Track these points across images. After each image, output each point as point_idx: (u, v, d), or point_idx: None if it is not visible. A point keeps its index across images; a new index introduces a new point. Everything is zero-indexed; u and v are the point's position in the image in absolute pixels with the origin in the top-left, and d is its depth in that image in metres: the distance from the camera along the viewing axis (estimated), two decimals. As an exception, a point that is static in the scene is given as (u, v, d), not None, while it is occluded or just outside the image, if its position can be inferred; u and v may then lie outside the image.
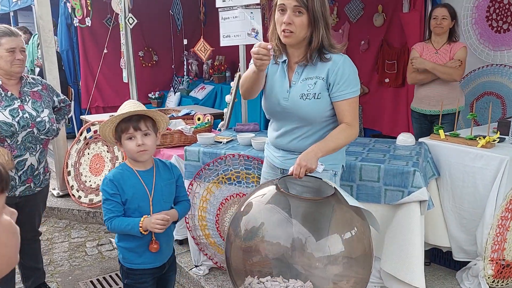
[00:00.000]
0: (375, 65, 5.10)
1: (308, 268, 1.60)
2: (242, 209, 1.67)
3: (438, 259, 2.97)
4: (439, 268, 2.96)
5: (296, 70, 1.96)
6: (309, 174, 1.78)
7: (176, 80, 6.03)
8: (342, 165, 2.11)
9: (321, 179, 1.78)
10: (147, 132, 1.91)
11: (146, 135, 1.91)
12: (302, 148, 1.91)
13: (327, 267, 1.59)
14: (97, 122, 4.43)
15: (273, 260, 1.62)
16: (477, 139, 2.65)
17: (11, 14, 8.44)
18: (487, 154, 2.55)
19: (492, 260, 2.59)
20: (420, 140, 2.87)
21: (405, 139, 2.78)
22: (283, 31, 1.85)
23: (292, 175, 1.76)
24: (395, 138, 2.87)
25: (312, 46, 1.88)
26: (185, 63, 6.82)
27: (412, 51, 3.70)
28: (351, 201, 1.61)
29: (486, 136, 2.63)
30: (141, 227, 1.86)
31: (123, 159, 4.12)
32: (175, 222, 2.04)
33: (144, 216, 1.88)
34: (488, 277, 2.61)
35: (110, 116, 1.95)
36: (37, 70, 6.52)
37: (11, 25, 6.93)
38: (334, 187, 1.68)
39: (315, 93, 1.90)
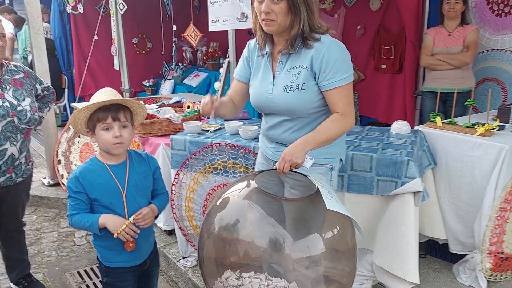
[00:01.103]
0: (372, 51, 4.97)
1: (288, 269, 1.50)
2: (218, 203, 1.57)
3: (434, 251, 2.89)
4: (435, 260, 2.88)
5: (279, 60, 1.84)
6: (295, 169, 1.67)
7: (165, 67, 5.90)
8: (340, 159, 1.97)
9: (307, 176, 1.65)
10: (125, 124, 1.80)
11: (124, 127, 1.79)
12: (294, 140, 1.77)
13: (307, 269, 1.48)
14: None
15: (248, 259, 1.51)
16: (476, 127, 2.56)
17: (7, 2, 8.33)
18: (485, 143, 2.45)
19: (490, 253, 2.50)
20: (416, 128, 2.77)
21: (399, 127, 2.68)
22: (263, 20, 1.74)
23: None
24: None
25: (292, 32, 1.74)
26: (174, 49, 6.67)
27: (425, 36, 3.83)
28: (330, 205, 1.47)
29: (485, 123, 2.53)
30: (101, 228, 1.77)
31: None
32: (155, 217, 1.93)
33: (103, 215, 1.78)
34: (486, 271, 2.53)
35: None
36: (30, 57, 6.42)
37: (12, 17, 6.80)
38: (317, 187, 1.55)
39: (298, 84, 1.78)
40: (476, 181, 2.49)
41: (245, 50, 2.00)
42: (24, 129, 2.51)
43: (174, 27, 5.05)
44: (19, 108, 2.44)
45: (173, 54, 5.45)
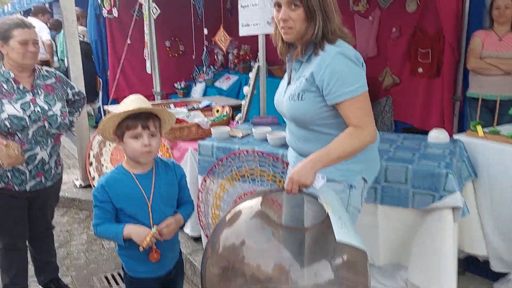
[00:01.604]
0: (407, 54, 4.79)
1: None
2: (226, 219, 1.49)
3: (473, 268, 2.71)
4: (474, 278, 2.71)
5: (294, 67, 1.81)
6: (305, 190, 1.58)
7: (196, 71, 5.91)
8: (363, 178, 1.81)
9: (317, 198, 1.54)
10: (154, 132, 1.77)
11: (153, 135, 1.76)
12: (308, 152, 1.70)
13: None
14: (118, 113, 4.36)
15: (252, 284, 1.39)
16: (520, 137, 2.39)
17: (47, 6, 8.57)
18: (531, 154, 2.29)
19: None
20: (455, 137, 2.62)
21: (437, 135, 2.54)
22: (282, 28, 1.69)
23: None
24: (428, 132, 2.63)
25: (305, 38, 1.67)
26: (204, 53, 6.68)
27: (473, 38, 3.70)
28: (340, 235, 1.35)
29: (530, 133, 2.37)
30: (126, 239, 1.74)
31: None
32: (181, 227, 1.89)
33: (127, 226, 1.74)
34: (529, 291, 2.37)
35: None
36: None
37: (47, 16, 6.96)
38: (327, 213, 1.43)
39: (298, 94, 1.72)
40: (520, 195, 2.33)
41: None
42: (55, 134, 2.52)
43: (205, 31, 5.04)
44: (50, 113, 2.45)
45: (203, 57, 5.45)
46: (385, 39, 5.06)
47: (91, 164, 4.48)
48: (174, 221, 1.80)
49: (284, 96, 1.81)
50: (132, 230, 1.74)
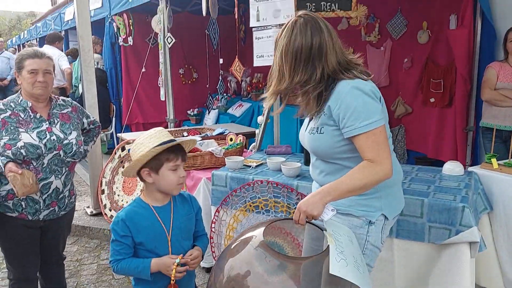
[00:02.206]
0: (420, 84, 4.83)
1: None
2: (232, 247, 1.48)
3: (491, 303, 2.66)
4: (491, 313, 2.65)
5: None
6: (313, 222, 1.58)
7: (210, 99, 6.00)
8: (383, 214, 1.76)
9: (324, 230, 1.54)
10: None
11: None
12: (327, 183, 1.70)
13: None
14: (131, 141, 4.40)
15: None
16: (536, 170, 2.37)
17: (63, 33, 8.81)
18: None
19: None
20: (470, 169, 2.60)
21: (452, 168, 2.53)
22: None
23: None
24: (441, 162, 2.62)
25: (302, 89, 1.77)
26: (220, 81, 6.77)
27: (488, 69, 3.72)
28: (335, 269, 1.34)
29: (546, 167, 2.35)
30: (152, 268, 1.72)
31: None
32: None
33: (154, 261, 1.73)
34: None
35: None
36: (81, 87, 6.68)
37: (62, 44, 7.13)
38: (328, 245, 1.44)
39: (317, 128, 1.76)
40: (538, 229, 2.30)
41: None
42: (69, 162, 2.54)
43: (221, 60, 5.13)
44: (65, 141, 2.48)
45: (218, 86, 5.54)
46: (396, 69, 5.10)
47: (103, 192, 4.50)
48: (200, 253, 1.80)
49: (306, 130, 1.86)
50: (159, 261, 1.73)
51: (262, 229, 1.53)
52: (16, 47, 16.29)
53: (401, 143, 5.12)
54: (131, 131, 6.72)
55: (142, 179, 1.81)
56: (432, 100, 4.65)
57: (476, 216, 2.28)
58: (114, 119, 7.17)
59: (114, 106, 7.11)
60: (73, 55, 7.62)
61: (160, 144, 1.72)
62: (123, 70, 6.93)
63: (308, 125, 1.87)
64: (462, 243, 2.02)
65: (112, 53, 6.98)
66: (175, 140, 1.78)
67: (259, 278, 1.42)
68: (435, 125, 4.68)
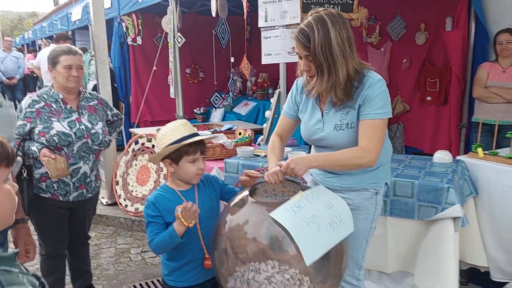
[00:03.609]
0: (417, 83, 5.09)
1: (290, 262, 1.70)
2: (231, 205, 1.82)
3: (476, 279, 2.93)
4: (477, 288, 2.92)
5: (329, 100, 1.93)
6: (289, 178, 1.84)
7: (216, 96, 6.23)
8: (386, 183, 2.03)
9: (299, 184, 1.83)
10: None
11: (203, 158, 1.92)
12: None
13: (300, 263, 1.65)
14: (144, 135, 4.68)
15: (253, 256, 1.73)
16: (517, 158, 2.62)
17: (69, 33, 9.06)
18: (526, 173, 2.52)
19: (531, 282, 2.54)
20: (458, 157, 2.87)
21: (442, 156, 2.79)
22: (306, 74, 1.91)
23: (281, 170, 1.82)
24: (435, 156, 2.87)
25: (328, 86, 1.82)
26: (230, 79, 7.03)
27: (479, 69, 3.97)
28: (274, 213, 1.59)
29: (526, 155, 2.60)
30: (175, 227, 1.78)
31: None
32: None
33: (174, 223, 1.80)
34: (528, 299, 2.56)
35: (156, 130, 1.99)
36: (90, 84, 6.91)
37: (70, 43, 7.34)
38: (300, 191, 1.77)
39: (347, 123, 1.87)
40: (518, 211, 2.55)
41: (293, 87, 2.12)
42: (96, 150, 2.80)
43: (232, 59, 5.35)
44: (93, 131, 2.73)
45: (229, 83, 5.78)
46: (396, 69, 5.35)
47: (117, 183, 4.77)
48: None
49: (324, 127, 1.93)
50: (177, 220, 1.78)
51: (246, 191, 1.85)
52: (20, 47, 16.40)
53: (399, 140, 5.37)
54: (140, 128, 6.96)
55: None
56: (428, 98, 4.92)
57: (462, 199, 2.54)
58: (123, 117, 7.39)
59: (123, 104, 7.35)
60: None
61: (180, 140, 1.82)
62: (132, 69, 7.12)
63: (323, 121, 1.94)
64: (447, 218, 2.29)
65: (121, 52, 7.16)
66: (197, 134, 1.90)
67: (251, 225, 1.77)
68: (431, 122, 4.94)
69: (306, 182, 2.21)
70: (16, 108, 2.69)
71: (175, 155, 1.85)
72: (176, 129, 1.87)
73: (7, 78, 10.50)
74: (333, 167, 1.87)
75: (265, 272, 1.76)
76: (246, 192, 1.84)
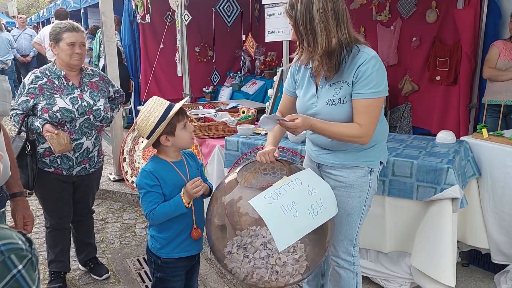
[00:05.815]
0: (427, 62, 4.99)
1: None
2: (226, 182, 1.93)
3: (477, 261, 2.91)
4: (477, 270, 2.90)
5: (323, 75, 1.92)
6: (279, 159, 1.94)
7: (215, 74, 6.19)
8: (381, 162, 2.03)
9: (290, 164, 1.92)
10: None
11: None
12: (337, 146, 1.93)
13: None
14: (151, 113, 4.68)
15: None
16: (522, 139, 2.58)
17: (82, 11, 9.06)
18: (531, 155, 2.47)
19: (532, 264, 2.52)
20: (462, 138, 2.83)
21: (445, 136, 2.75)
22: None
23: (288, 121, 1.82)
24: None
25: (315, 54, 1.82)
26: (242, 58, 6.97)
27: (491, 48, 3.89)
28: (253, 200, 1.68)
29: (531, 136, 2.56)
30: (184, 199, 1.88)
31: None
32: (205, 196, 2.06)
33: (182, 190, 1.90)
34: (527, 281, 2.54)
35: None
36: (101, 63, 6.92)
37: (81, 21, 7.33)
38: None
39: (340, 98, 1.86)
40: (520, 193, 2.51)
41: (292, 64, 2.11)
42: (98, 126, 2.83)
43: (244, 37, 5.31)
44: (94, 107, 2.76)
45: (242, 62, 5.75)
46: (405, 48, 5.25)
47: (124, 159, 4.82)
48: (202, 183, 1.94)
49: (318, 102, 1.94)
50: (184, 191, 1.88)
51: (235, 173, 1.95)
52: (36, 24, 16.51)
53: (407, 120, 5.31)
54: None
55: (156, 146, 1.99)
56: (438, 78, 4.82)
57: (464, 180, 2.51)
58: (133, 94, 7.45)
59: (133, 82, 7.38)
60: (92, 31, 7.83)
61: (165, 113, 1.87)
62: (141, 47, 7.10)
63: (317, 96, 1.94)
64: (446, 199, 2.26)
65: (131, 31, 7.15)
66: (173, 104, 1.94)
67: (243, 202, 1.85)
68: (440, 102, 4.85)
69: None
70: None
71: (169, 128, 1.91)
72: (155, 108, 1.90)
73: (21, 55, 10.57)
74: (328, 136, 1.88)
75: (263, 238, 1.84)
76: (234, 175, 1.94)
